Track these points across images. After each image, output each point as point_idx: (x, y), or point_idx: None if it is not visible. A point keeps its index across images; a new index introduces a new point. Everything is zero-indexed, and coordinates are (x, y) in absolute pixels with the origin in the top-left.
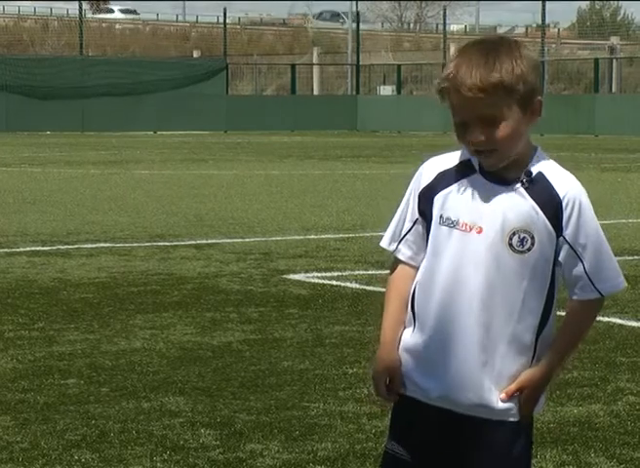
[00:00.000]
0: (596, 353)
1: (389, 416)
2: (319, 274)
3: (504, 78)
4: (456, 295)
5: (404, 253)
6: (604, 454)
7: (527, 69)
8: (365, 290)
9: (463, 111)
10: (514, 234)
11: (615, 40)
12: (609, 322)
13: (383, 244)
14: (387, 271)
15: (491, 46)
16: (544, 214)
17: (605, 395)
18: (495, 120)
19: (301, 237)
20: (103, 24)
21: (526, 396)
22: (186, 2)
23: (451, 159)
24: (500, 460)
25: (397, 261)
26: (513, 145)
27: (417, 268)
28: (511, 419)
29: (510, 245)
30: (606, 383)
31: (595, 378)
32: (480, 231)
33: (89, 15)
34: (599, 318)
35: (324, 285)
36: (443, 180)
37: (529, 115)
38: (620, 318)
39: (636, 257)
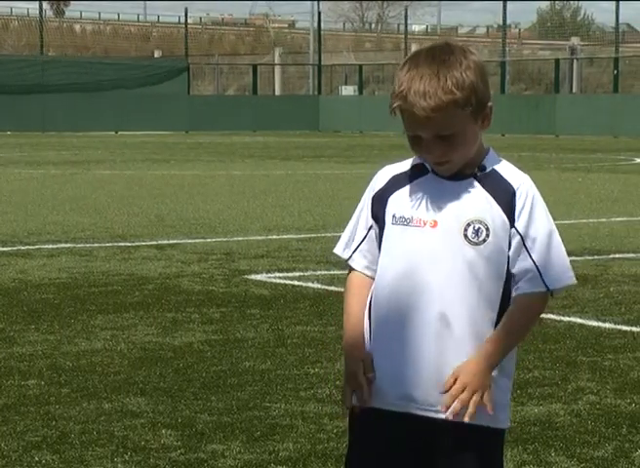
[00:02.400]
0: (557, 352)
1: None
2: (281, 274)
3: (457, 95)
4: (412, 293)
5: (359, 262)
6: (564, 453)
7: (476, 78)
8: (327, 290)
9: (418, 129)
10: (469, 225)
11: (575, 40)
12: (569, 321)
13: (337, 251)
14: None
15: (440, 58)
16: (498, 203)
17: (565, 394)
18: (450, 136)
19: (263, 237)
20: (64, 24)
21: (460, 385)
22: (147, 2)
23: (404, 165)
24: (472, 462)
25: (352, 270)
26: (468, 153)
27: (372, 278)
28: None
29: (466, 236)
30: (566, 383)
31: (556, 378)
32: (435, 225)
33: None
34: (560, 317)
35: (285, 285)
36: (396, 183)
37: (481, 123)
38: (580, 317)
39: (597, 257)
